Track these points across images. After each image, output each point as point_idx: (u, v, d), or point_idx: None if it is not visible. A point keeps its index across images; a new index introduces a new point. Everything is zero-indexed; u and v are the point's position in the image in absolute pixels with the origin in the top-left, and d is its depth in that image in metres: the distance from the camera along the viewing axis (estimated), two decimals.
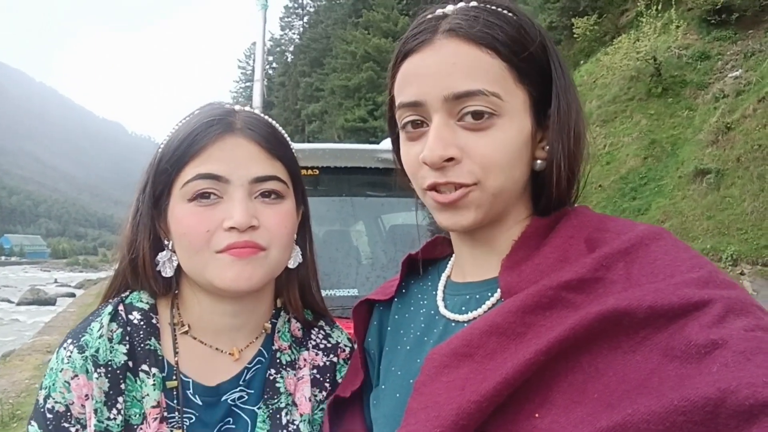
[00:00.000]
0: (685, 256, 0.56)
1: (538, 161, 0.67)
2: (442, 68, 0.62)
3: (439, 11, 0.66)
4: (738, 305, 0.49)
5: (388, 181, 2.39)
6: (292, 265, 0.87)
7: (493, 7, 0.65)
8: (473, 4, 0.66)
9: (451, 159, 0.62)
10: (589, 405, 0.49)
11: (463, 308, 0.70)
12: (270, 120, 0.85)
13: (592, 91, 18.51)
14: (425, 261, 0.82)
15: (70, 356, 0.77)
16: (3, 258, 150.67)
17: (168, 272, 0.81)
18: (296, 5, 54.10)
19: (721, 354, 0.45)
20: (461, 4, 0.66)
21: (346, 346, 0.94)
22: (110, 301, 0.83)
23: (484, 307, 0.68)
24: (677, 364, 0.46)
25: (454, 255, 0.79)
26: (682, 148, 13.91)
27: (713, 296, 0.49)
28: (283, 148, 0.83)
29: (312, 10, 51.71)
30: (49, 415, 0.76)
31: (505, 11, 0.65)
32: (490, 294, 0.68)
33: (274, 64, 48.93)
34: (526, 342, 0.54)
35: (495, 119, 0.62)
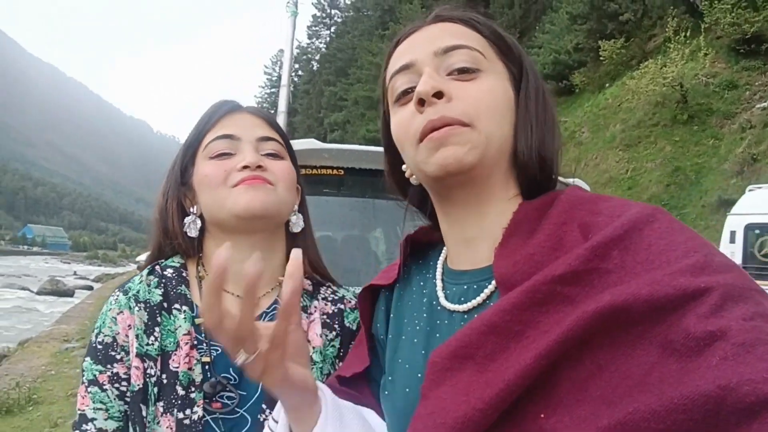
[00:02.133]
0: (681, 239, 0.55)
1: (522, 142, 0.70)
2: (431, 35, 0.70)
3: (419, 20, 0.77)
4: (736, 291, 0.48)
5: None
6: (296, 229, 1.02)
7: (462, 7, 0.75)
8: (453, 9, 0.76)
9: (441, 95, 0.65)
10: (591, 403, 0.49)
11: (462, 298, 0.71)
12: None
13: (616, 114, 18.46)
14: (424, 243, 0.84)
15: (116, 299, 0.94)
16: (25, 247, 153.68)
17: (192, 233, 0.97)
18: (324, 15, 54.83)
19: (720, 346, 0.44)
20: (445, 7, 0.76)
21: (351, 299, 1.06)
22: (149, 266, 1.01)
23: (482, 296, 0.68)
24: (676, 358, 0.46)
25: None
26: (706, 177, 13.79)
27: (710, 283, 0.48)
28: (281, 130, 1.02)
29: (339, 20, 52.38)
30: (99, 347, 0.91)
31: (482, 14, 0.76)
32: (486, 283, 0.69)
33: (300, 72, 49.55)
34: (525, 340, 0.54)
35: (479, 73, 0.67)
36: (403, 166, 0.77)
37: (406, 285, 0.83)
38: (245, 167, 0.91)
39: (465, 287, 0.71)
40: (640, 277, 0.52)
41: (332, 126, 36.02)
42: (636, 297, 0.49)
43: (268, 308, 0.97)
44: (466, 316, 0.69)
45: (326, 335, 0.98)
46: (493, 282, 0.67)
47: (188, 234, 0.97)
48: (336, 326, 1.00)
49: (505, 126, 0.68)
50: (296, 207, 1.03)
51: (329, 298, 1.03)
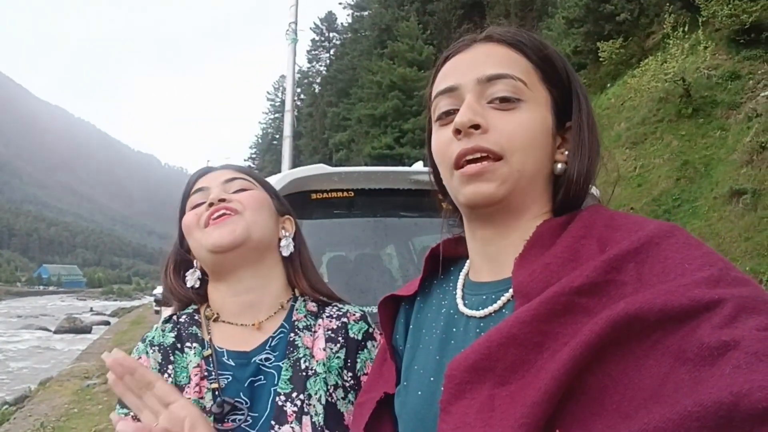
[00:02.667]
0: (697, 253, 0.55)
1: (558, 164, 0.72)
2: (476, 59, 0.72)
3: (471, 35, 0.77)
4: (750, 303, 0.48)
5: (421, 202, 2.42)
6: (285, 252, 1.10)
7: (516, 29, 0.76)
8: (502, 28, 0.77)
9: (477, 126, 0.67)
10: (606, 417, 0.49)
11: (480, 307, 0.73)
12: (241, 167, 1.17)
13: (620, 113, 18.40)
14: (446, 259, 0.86)
15: (137, 348, 1.07)
16: (41, 287, 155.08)
17: (190, 283, 1.10)
18: (323, 38, 55.50)
19: (733, 355, 0.44)
20: (494, 27, 0.77)
21: (355, 312, 1.12)
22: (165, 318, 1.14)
23: (499, 302, 0.70)
24: (689, 367, 0.46)
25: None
26: (716, 169, 13.65)
27: (724, 295, 0.49)
28: (249, 174, 1.14)
29: (338, 42, 52.95)
30: None
31: (533, 34, 0.76)
32: (504, 293, 0.70)
33: (302, 96, 50.04)
34: (546, 352, 0.55)
35: (520, 103, 0.69)
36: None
37: (427, 298, 0.85)
38: (210, 205, 1.02)
39: (484, 297, 0.73)
40: (656, 288, 0.52)
41: (337, 146, 36.21)
42: (651, 306, 0.50)
43: (274, 332, 1.05)
44: (482, 324, 0.71)
45: (330, 348, 1.03)
46: (510, 290, 0.68)
47: (188, 285, 1.10)
48: (340, 338, 1.05)
49: (540, 154, 0.70)
50: (288, 233, 1.12)
51: (333, 315, 1.10)
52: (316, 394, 0.97)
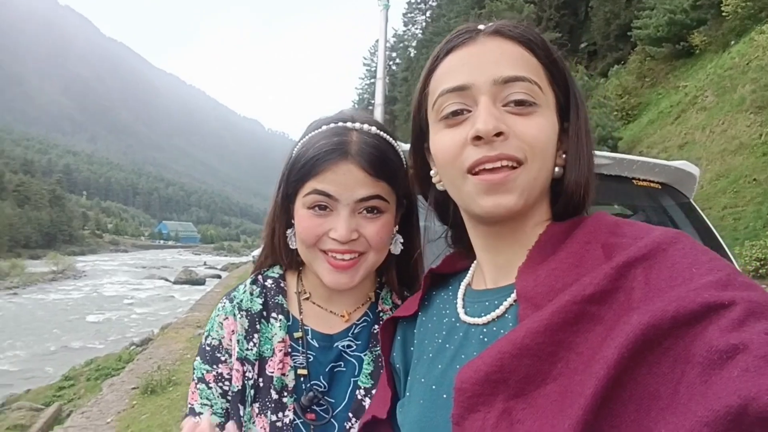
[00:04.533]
0: (704, 258, 0.55)
1: (557, 168, 0.71)
2: (489, 56, 0.67)
3: (471, 26, 0.73)
4: (759, 307, 0.48)
5: None
6: (394, 251, 1.02)
7: (525, 24, 0.73)
8: (503, 21, 0.73)
9: (501, 133, 0.64)
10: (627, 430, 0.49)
11: (482, 314, 0.72)
12: (382, 137, 0.98)
13: (744, 74, 16.53)
14: (446, 274, 0.86)
15: (223, 306, 1.03)
16: (161, 242, 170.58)
17: (293, 244, 1.02)
18: (419, 0, 54.44)
19: (742, 359, 0.44)
20: (497, 22, 0.73)
21: None
22: (252, 275, 1.09)
23: (501, 309, 0.69)
24: (699, 371, 0.46)
25: (474, 264, 0.82)
26: None
27: (734, 298, 0.49)
28: (388, 170, 0.95)
29: (434, 4, 51.69)
30: (207, 348, 1.00)
31: (531, 25, 0.73)
32: (506, 299, 0.70)
33: (398, 60, 49.73)
34: (560, 363, 0.55)
35: (536, 107, 0.66)
36: (432, 172, 0.79)
37: (428, 311, 0.85)
38: (335, 239, 0.92)
39: (486, 303, 0.72)
40: (665, 294, 0.52)
41: None
42: (663, 314, 0.49)
43: (357, 320, 1.04)
44: (485, 330, 0.70)
45: None
46: (513, 296, 0.68)
47: (289, 245, 1.03)
48: None
49: (550, 157, 0.69)
50: (396, 228, 1.02)
51: None
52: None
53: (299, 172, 0.95)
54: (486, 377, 0.57)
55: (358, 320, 1.04)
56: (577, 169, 0.70)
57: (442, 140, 0.70)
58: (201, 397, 0.96)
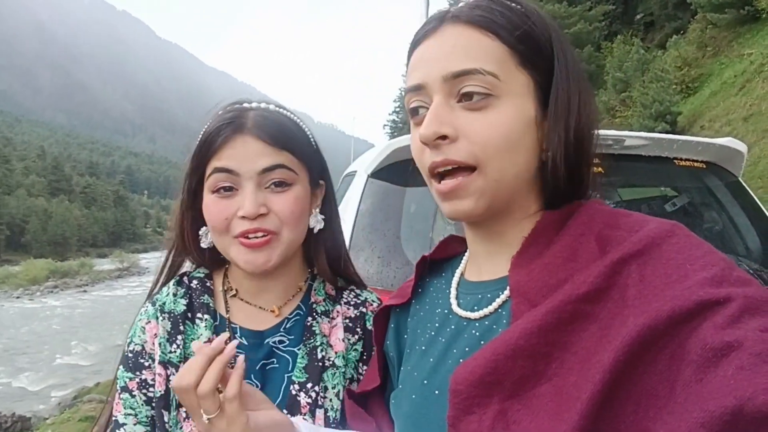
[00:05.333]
0: (698, 253, 0.54)
1: (550, 152, 0.66)
2: (442, 50, 0.64)
3: (444, 9, 0.68)
4: (754, 303, 0.48)
5: None
6: (315, 229, 0.99)
7: (491, 2, 0.66)
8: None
9: (445, 137, 0.62)
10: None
11: (475, 307, 0.70)
12: (282, 112, 0.96)
13: None
14: (440, 260, 0.83)
15: (145, 310, 0.99)
16: None
17: (205, 244, 0.99)
18: None
19: (737, 356, 0.44)
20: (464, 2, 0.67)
21: (373, 301, 1.05)
22: (177, 276, 1.04)
23: (494, 305, 0.67)
24: (694, 369, 0.46)
25: (468, 252, 0.78)
26: None
27: (729, 294, 0.48)
28: (289, 140, 0.92)
29: None
30: (130, 355, 0.95)
31: (510, 2, 0.66)
32: (500, 292, 0.68)
33: None
34: (555, 363, 0.54)
35: (492, 99, 0.62)
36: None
37: (421, 299, 0.82)
38: (244, 217, 0.88)
39: (479, 296, 0.71)
40: (660, 292, 0.52)
41: None
42: (658, 315, 0.49)
43: (290, 314, 1.00)
44: (477, 324, 0.69)
45: (348, 339, 0.99)
46: (506, 291, 0.66)
47: (201, 245, 0.99)
48: (358, 330, 1.01)
49: (522, 154, 0.64)
50: (318, 206, 1.00)
51: (351, 302, 1.04)
52: (333, 387, 0.93)
53: (198, 157, 0.93)
54: (480, 379, 0.56)
55: (290, 314, 1.00)
56: (559, 154, 0.64)
57: (412, 140, 0.69)
58: (125, 407, 0.92)
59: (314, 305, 1.01)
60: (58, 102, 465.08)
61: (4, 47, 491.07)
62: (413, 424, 0.70)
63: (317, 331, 0.97)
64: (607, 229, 0.61)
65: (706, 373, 0.45)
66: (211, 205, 0.91)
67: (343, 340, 0.97)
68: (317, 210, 1.00)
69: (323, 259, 1.02)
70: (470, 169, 0.62)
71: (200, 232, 0.99)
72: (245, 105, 0.96)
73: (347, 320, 1.01)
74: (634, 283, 0.54)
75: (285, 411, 0.90)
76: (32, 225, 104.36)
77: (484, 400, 0.56)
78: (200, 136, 0.94)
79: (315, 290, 1.03)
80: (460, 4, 0.67)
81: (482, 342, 0.66)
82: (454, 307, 0.73)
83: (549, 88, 0.65)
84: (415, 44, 0.68)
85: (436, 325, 0.75)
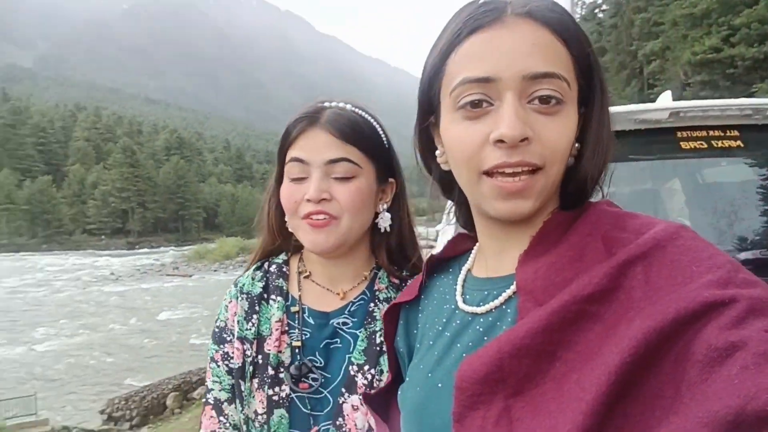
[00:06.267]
0: (704, 255, 0.54)
1: (570, 158, 0.66)
2: (520, 46, 0.61)
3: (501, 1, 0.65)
4: (760, 304, 0.48)
5: (652, 143, 2.20)
6: (382, 225, 1.07)
7: (557, 4, 0.66)
8: None
9: (525, 139, 0.60)
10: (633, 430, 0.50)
11: (481, 303, 0.71)
12: (356, 112, 1.04)
13: None
14: (448, 258, 0.86)
15: (229, 291, 1.12)
16: None
17: (291, 228, 1.07)
18: None
19: (741, 356, 0.44)
20: None
21: None
22: (259, 261, 1.16)
23: (499, 300, 0.68)
24: (699, 369, 0.46)
25: (475, 248, 0.80)
26: None
27: (734, 295, 0.48)
28: (357, 136, 1.00)
29: None
30: (216, 330, 1.09)
31: (563, 7, 0.66)
32: (506, 289, 0.68)
33: (604, 6, 45.36)
34: (558, 362, 0.55)
35: (562, 105, 0.62)
36: (438, 152, 0.75)
37: (429, 297, 0.84)
38: (309, 200, 0.98)
39: (485, 292, 0.72)
40: (665, 293, 0.52)
41: (648, 57, 32.10)
42: (664, 317, 0.50)
43: (354, 298, 1.08)
44: (481, 320, 0.70)
45: None
46: (512, 287, 0.67)
47: (286, 230, 1.08)
48: None
49: (568, 155, 0.66)
50: (384, 207, 1.07)
51: None
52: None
53: (281, 150, 1.04)
54: (485, 377, 0.58)
55: (355, 298, 1.08)
56: (593, 161, 0.67)
57: (458, 133, 0.65)
58: (212, 375, 1.07)
59: (377, 292, 1.08)
60: (238, 99, 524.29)
61: (191, 55, 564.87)
62: (417, 416, 0.72)
63: (378, 317, 1.03)
64: (614, 230, 0.62)
65: (711, 373, 0.45)
66: (285, 189, 1.03)
67: None
68: (384, 207, 1.07)
69: (384, 256, 1.10)
70: (533, 170, 0.62)
71: (286, 219, 1.08)
72: (324, 104, 1.04)
73: None
74: (639, 285, 0.54)
75: (343, 389, 0.99)
76: (223, 208, 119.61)
77: (489, 398, 0.57)
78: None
79: (379, 278, 1.10)
80: (527, 0, 0.64)
81: (485, 338, 0.67)
82: (460, 303, 0.75)
83: (584, 97, 0.67)
84: (473, 30, 0.63)
85: (443, 320, 0.77)
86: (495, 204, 0.64)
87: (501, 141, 0.60)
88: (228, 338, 1.07)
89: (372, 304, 1.06)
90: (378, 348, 1.01)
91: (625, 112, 2.07)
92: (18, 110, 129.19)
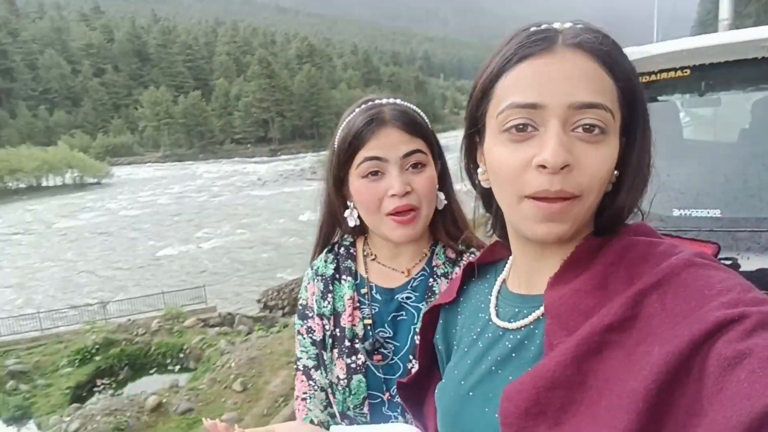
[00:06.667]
0: (715, 280, 0.57)
1: (609, 184, 0.68)
2: (569, 77, 0.63)
3: (550, 26, 0.67)
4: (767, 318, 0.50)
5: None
6: (439, 206, 1.14)
7: (606, 33, 0.67)
8: (583, 23, 0.68)
9: (567, 165, 0.62)
10: None
11: (512, 319, 0.75)
12: (409, 106, 1.13)
13: None
14: (484, 264, 0.89)
15: (307, 273, 1.25)
16: None
17: (351, 223, 1.17)
18: None
19: (749, 362, 0.46)
20: (571, 24, 0.67)
21: None
22: (329, 245, 1.27)
23: (528, 319, 0.72)
24: (713, 381, 0.48)
25: (511, 259, 0.83)
26: None
27: (744, 312, 0.51)
28: (420, 128, 1.09)
29: None
30: (300, 308, 1.23)
31: (613, 39, 0.67)
32: (535, 309, 0.72)
33: None
34: (590, 391, 0.58)
35: (604, 135, 0.64)
36: (480, 170, 0.77)
37: (467, 301, 0.88)
38: (394, 195, 1.05)
39: (517, 310, 0.75)
40: (680, 319, 0.55)
41: None
42: (680, 341, 0.52)
43: (416, 275, 1.17)
44: (511, 336, 0.74)
45: None
46: (541, 308, 0.70)
47: (349, 224, 1.18)
48: None
49: (607, 183, 0.67)
50: (437, 186, 1.13)
51: None
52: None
53: (348, 150, 1.09)
54: (526, 411, 0.61)
55: (416, 274, 1.17)
56: (631, 191, 0.68)
57: (501, 155, 0.67)
58: (300, 345, 1.21)
59: (435, 268, 1.16)
60: None
61: None
62: (450, 418, 0.77)
63: (437, 291, 1.13)
64: (638, 259, 0.64)
65: (724, 383, 0.47)
66: (363, 188, 1.08)
67: None
68: (437, 187, 1.15)
69: (442, 233, 1.18)
70: (574, 198, 0.64)
71: (345, 214, 1.17)
72: (377, 101, 1.12)
73: None
74: (657, 312, 0.57)
75: (411, 356, 1.10)
76: None
77: (533, 430, 0.60)
78: (341, 131, 1.12)
79: (436, 254, 1.18)
80: (579, 31, 0.66)
81: (513, 354, 0.71)
82: (493, 316, 0.78)
83: (626, 125, 0.67)
84: (523, 57, 0.65)
85: (478, 329, 0.81)
86: (532, 226, 0.66)
87: (543, 166, 0.62)
88: (310, 315, 1.19)
89: (431, 280, 1.15)
90: None
91: (752, 41, 1.83)
92: (167, 30, 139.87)
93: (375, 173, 1.07)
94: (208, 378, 12.31)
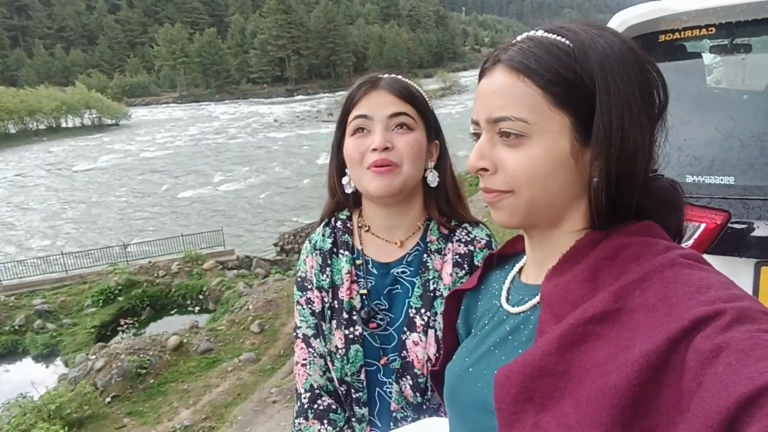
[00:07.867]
0: (696, 277, 0.60)
1: (594, 179, 0.70)
2: (488, 93, 0.73)
3: (509, 41, 0.75)
4: (745, 312, 0.52)
5: None
6: (431, 182, 1.20)
7: (548, 35, 0.70)
8: (533, 33, 0.73)
9: (484, 170, 0.73)
10: None
11: (516, 305, 0.81)
12: (408, 80, 1.18)
13: None
14: (505, 255, 0.94)
15: (305, 247, 1.28)
16: None
17: (348, 189, 1.21)
18: None
19: (725, 355, 0.48)
20: (525, 35, 0.74)
21: (482, 239, 1.21)
22: (326, 218, 1.30)
23: (528, 305, 0.78)
24: (692, 375, 0.50)
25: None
26: None
27: (722, 308, 0.53)
28: (412, 96, 1.15)
29: None
30: (299, 279, 1.26)
31: (558, 38, 0.69)
32: (533, 297, 0.78)
33: None
34: (573, 380, 0.61)
35: (523, 139, 0.70)
36: None
37: (487, 289, 0.93)
38: (375, 149, 1.10)
39: (521, 297, 0.81)
40: (663, 316, 0.57)
41: None
42: (658, 339, 0.54)
43: (410, 249, 1.21)
44: (511, 320, 0.80)
45: (456, 273, 1.18)
46: (538, 297, 0.75)
47: (345, 191, 1.22)
48: (465, 265, 1.18)
49: (557, 181, 0.70)
50: (432, 164, 1.20)
51: (462, 240, 1.21)
52: (441, 313, 1.09)
53: (342, 111, 1.17)
54: (516, 397, 0.65)
55: (411, 249, 1.21)
56: (600, 185, 0.69)
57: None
58: (299, 315, 1.25)
59: (429, 244, 1.20)
60: None
61: None
62: (450, 391, 0.83)
63: (430, 267, 1.18)
64: (631, 257, 0.66)
65: (703, 376, 0.49)
66: (350, 143, 1.14)
67: (451, 275, 1.17)
68: (432, 165, 1.20)
69: (435, 209, 1.22)
70: (505, 193, 0.73)
71: (343, 181, 1.22)
72: (379, 75, 1.17)
73: (457, 256, 1.19)
74: (639, 307, 0.60)
75: (405, 327, 1.16)
76: (371, 51, 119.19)
77: (522, 416, 0.64)
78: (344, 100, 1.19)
79: (431, 230, 1.21)
80: (510, 45, 0.73)
81: (509, 337, 0.77)
82: (503, 301, 0.84)
83: (593, 118, 0.68)
84: (480, 76, 0.77)
85: (490, 315, 0.86)
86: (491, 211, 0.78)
87: (469, 171, 0.76)
88: (309, 287, 1.23)
89: (425, 255, 1.19)
90: (432, 294, 1.16)
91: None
92: None
93: (361, 130, 1.13)
94: (226, 319, 12.61)
